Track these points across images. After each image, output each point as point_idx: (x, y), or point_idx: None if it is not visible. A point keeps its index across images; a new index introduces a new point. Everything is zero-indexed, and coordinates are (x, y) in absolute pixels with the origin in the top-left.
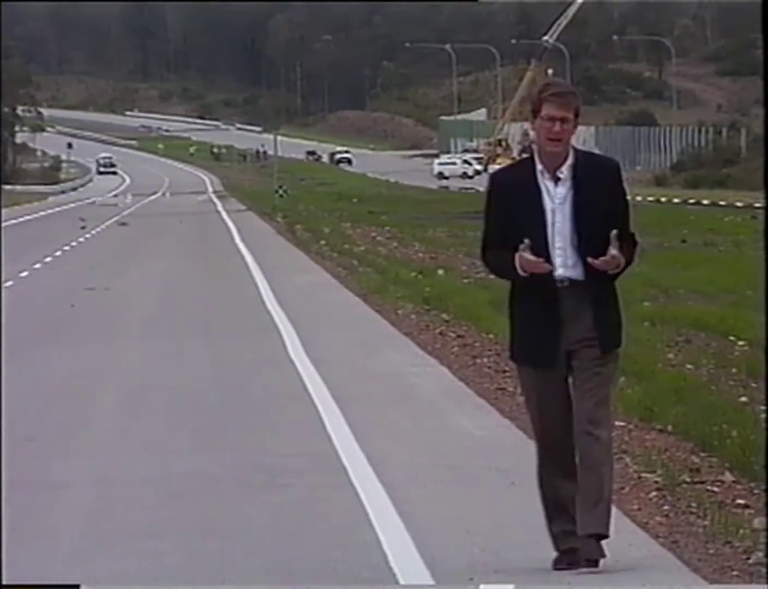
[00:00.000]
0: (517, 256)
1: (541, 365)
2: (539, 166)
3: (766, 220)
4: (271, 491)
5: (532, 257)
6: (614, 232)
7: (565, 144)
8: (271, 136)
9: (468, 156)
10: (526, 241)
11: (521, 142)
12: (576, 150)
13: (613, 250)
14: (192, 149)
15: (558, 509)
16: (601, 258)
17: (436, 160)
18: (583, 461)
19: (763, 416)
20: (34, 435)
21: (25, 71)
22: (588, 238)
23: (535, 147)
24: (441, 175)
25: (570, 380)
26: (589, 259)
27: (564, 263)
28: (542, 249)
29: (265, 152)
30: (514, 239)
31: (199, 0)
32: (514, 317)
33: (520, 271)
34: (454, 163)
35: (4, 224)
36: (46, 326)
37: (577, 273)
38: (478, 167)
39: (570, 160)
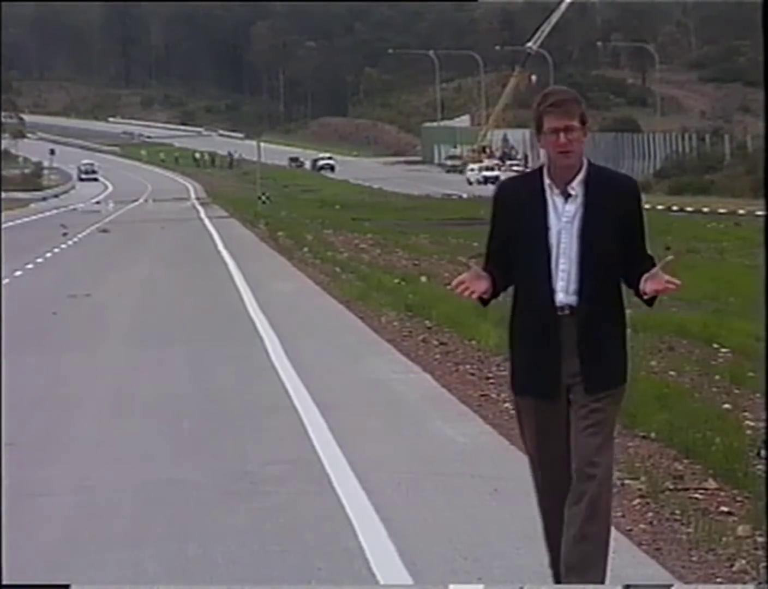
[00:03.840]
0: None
1: (539, 395)
2: (547, 181)
3: (767, 224)
4: (253, 499)
5: (465, 276)
6: (670, 257)
7: (576, 156)
8: (248, 142)
9: (488, 162)
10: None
11: (501, 148)
12: (590, 164)
13: (665, 276)
14: (162, 155)
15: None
16: (656, 287)
17: (468, 167)
18: (572, 497)
19: (749, 423)
20: (15, 442)
21: (7, 77)
22: (596, 262)
23: (544, 160)
24: (468, 182)
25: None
26: (647, 286)
27: (566, 288)
28: (544, 271)
29: (231, 159)
30: (517, 257)
31: (181, 0)
32: (512, 345)
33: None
34: (473, 171)
35: None
36: (27, 333)
37: (579, 300)
38: (496, 173)
39: (582, 175)
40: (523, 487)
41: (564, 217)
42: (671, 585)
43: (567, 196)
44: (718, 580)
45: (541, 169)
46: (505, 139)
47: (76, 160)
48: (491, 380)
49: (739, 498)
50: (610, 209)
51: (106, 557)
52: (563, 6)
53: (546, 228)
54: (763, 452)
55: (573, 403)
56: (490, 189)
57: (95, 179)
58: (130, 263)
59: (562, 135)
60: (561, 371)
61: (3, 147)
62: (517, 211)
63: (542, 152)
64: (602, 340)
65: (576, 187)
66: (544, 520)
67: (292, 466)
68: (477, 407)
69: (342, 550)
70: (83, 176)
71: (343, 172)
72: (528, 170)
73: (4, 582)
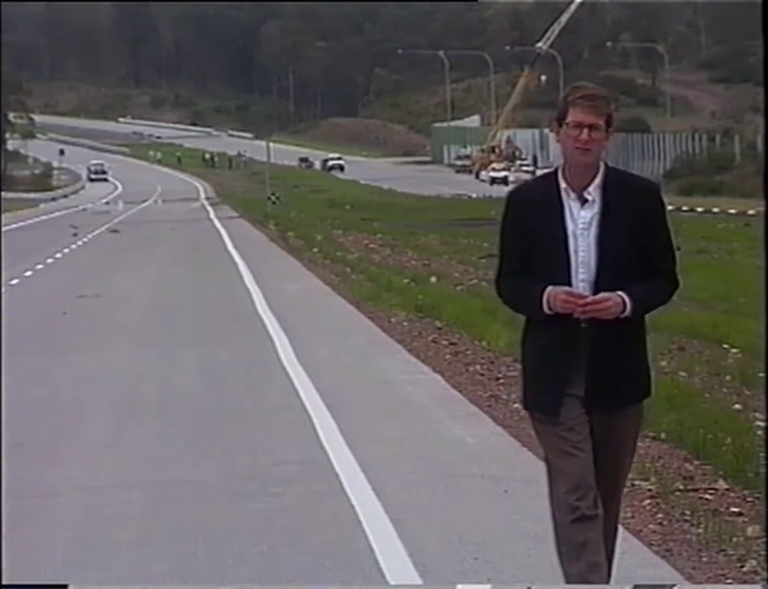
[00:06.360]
0: (548, 290)
1: (556, 410)
2: (563, 184)
3: (767, 223)
4: (263, 499)
5: (570, 291)
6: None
7: (595, 156)
8: (257, 143)
9: (506, 163)
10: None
11: (506, 149)
12: (608, 167)
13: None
14: (159, 155)
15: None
16: (591, 298)
17: (490, 168)
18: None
19: (759, 423)
20: (25, 442)
21: (17, 78)
22: (615, 272)
23: (561, 162)
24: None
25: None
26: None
27: None
28: (562, 280)
29: (230, 160)
30: (535, 267)
31: (191, 0)
32: (526, 359)
33: (545, 308)
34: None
35: None
36: (37, 333)
37: None
38: (504, 174)
39: (599, 179)
40: (533, 488)
41: (580, 224)
42: (674, 585)
43: (583, 201)
44: (728, 581)
45: (556, 171)
46: (509, 141)
47: (86, 161)
48: (501, 381)
49: (749, 499)
50: (628, 216)
51: (114, 557)
52: (573, 6)
53: (564, 235)
54: None
55: (592, 420)
56: (495, 189)
57: (105, 180)
58: (140, 264)
59: (585, 131)
60: (574, 386)
61: (13, 147)
62: (532, 219)
63: (556, 149)
64: (622, 353)
65: (593, 192)
66: (558, 526)
67: (302, 466)
68: (487, 407)
69: (352, 550)
70: (93, 177)
71: (352, 172)
72: (539, 173)
73: (4, 582)
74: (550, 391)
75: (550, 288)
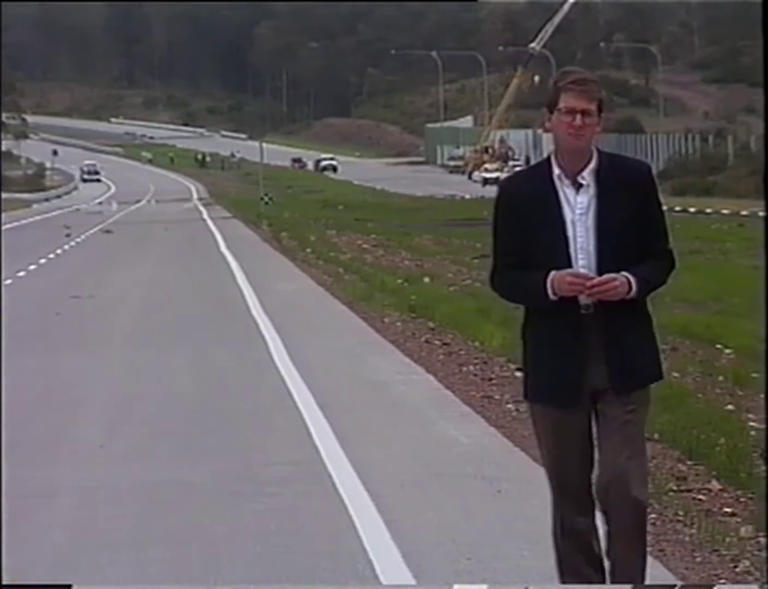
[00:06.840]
0: (552, 274)
1: (560, 404)
2: (556, 171)
3: (767, 224)
4: (257, 500)
5: (576, 272)
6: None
7: (588, 141)
8: (250, 143)
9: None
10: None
11: (499, 149)
12: (600, 152)
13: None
14: (149, 155)
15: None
16: (597, 279)
17: (483, 168)
18: (612, 522)
19: (752, 423)
20: (18, 443)
21: (10, 78)
22: (616, 256)
23: (551, 148)
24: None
25: (595, 422)
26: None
27: None
28: (563, 268)
29: (223, 161)
30: (533, 257)
31: (184, 0)
32: (528, 350)
33: (551, 294)
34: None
35: None
36: (30, 333)
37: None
38: (496, 174)
39: (593, 164)
40: (526, 488)
41: (578, 209)
42: (675, 586)
43: (578, 186)
44: (722, 581)
45: (549, 159)
46: (501, 141)
47: (79, 161)
48: (494, 381)
49: (742, 499)
50: (624, 199)
51: (109, 558)
52: (566, 7)
53: (562, 221)
54: None
55: (601, 411)
56: (487, 190)
57: (98, 180)
58: (134, 264)
59: (578, 117)
60: (585, 376)
61: (6, 148)
62: (527, 208)
63: (549, 149)
64: (630, 338)
65: (587, 177)
66: (556, 528)
67: (296, 467)
68: (480, 408)
69: (345, 551)
70: (86, 177)
71: (346, 172)
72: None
73: (4, 582)
74: (553, 384)
75: (553, 272)
